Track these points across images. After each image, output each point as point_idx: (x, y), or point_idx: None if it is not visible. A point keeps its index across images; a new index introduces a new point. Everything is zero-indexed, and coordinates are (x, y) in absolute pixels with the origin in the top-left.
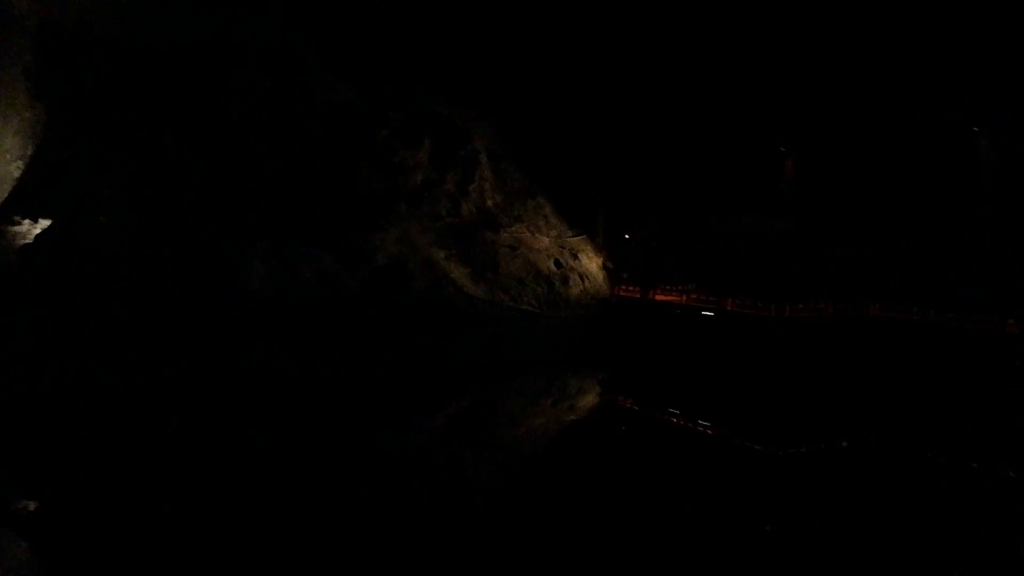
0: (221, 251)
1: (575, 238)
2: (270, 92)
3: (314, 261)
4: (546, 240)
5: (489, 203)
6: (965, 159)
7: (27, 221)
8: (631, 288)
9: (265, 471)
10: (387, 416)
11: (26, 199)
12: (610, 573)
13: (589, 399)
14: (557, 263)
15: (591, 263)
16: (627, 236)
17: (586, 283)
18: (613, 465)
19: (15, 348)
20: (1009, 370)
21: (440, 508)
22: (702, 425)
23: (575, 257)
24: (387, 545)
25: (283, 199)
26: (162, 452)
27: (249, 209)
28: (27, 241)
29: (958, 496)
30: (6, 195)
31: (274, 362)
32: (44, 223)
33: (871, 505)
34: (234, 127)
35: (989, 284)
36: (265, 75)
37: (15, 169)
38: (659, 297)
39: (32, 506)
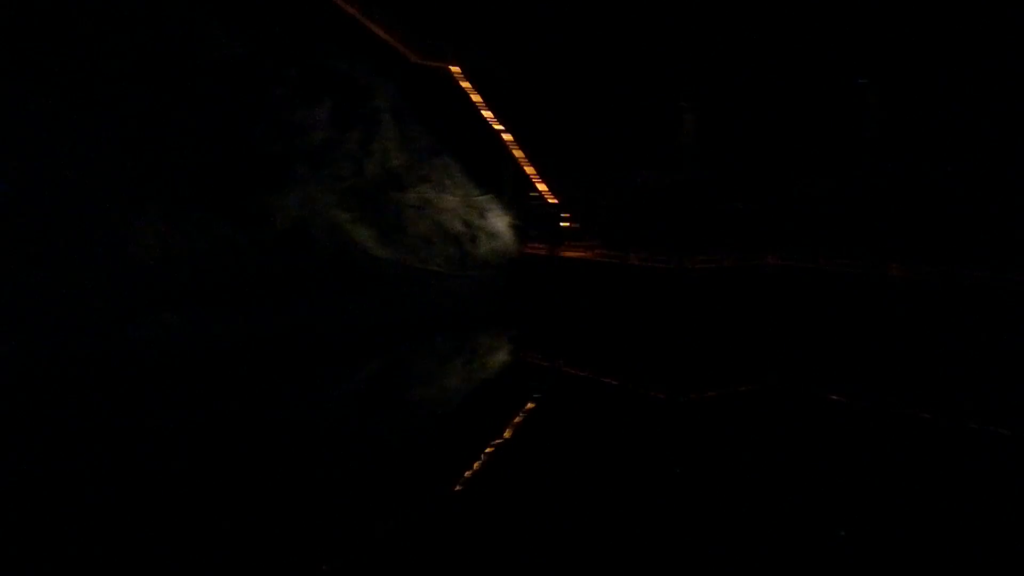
0: (108, 220)
1: (482, 197)
2: (153, 50)
3: (210, 227)
4: (453, 200)
5: (394, 162)
6: (854, 110)
7: None
8: (539, 246)
9: (169, 443)
10: (293, 381)
11: None
12: (526, 527)
13: (500, 357)
14: (465, 223)
15: (499, 222)
16: (532, 195)
17: (495, 242)
18: (524, 421)
19: None
20: (893, 309)
21: (354, 470)
22: (609, 377)
23: (483, 216)
24: (296, 518)
25: (174, 163)
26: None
27: (137, 175)
28: None
29: (855, 434)
30: None
31: (170, 333)
32: None
33: (769, 443)
34: (116, 89)
35: (877, 230)
36: (146, 31)
37: None
38: (566, 254)
39: None
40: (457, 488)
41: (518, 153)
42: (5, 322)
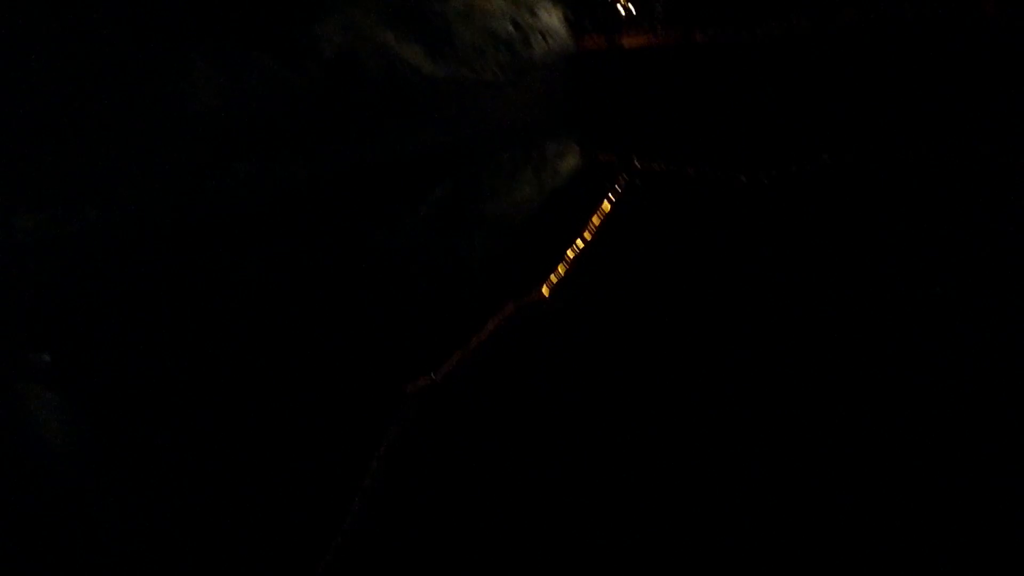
0: (156, 66)
1: None
2: None
3: (256, 65)
4: (500, 0)
5: None
6: None
7: None
8: (596, 38)
9: (253, 276)
10: (362, 212)
11: None
12: (621, 309)
13: (569, 162)
14: (515, 24)
15: (552, 18)
16: None
17: (549, 41)
18: (608, 219)
19: None
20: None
21: (435, 289)
22: (683, 165)
23: (533, 14)
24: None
25: (209, 2)
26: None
27: (174, 18)
28: None
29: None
30: None
31: (242, 182)
32: None
33: (860, 213)
34: None
35: None
36: None
37: None
38: (626, 42)
39: None
40: (552, 289)
41: None
42: (82, 189)
